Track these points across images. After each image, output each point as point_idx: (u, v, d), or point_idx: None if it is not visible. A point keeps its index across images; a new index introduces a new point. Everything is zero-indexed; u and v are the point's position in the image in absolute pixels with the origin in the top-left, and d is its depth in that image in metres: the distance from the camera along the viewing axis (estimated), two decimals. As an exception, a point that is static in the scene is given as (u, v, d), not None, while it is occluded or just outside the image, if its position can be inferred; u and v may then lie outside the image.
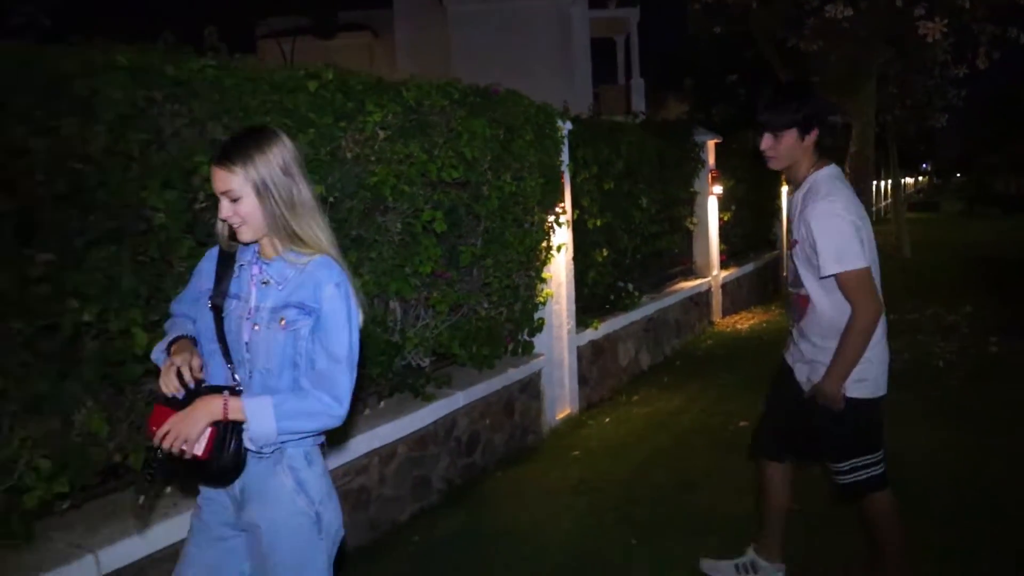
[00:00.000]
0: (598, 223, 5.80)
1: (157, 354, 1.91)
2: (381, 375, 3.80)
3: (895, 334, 8.07)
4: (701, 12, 8.36)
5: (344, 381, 1.77)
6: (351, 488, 3.55)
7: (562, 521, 3.75)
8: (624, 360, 6.43)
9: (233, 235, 1.83)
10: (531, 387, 4.98)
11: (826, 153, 2.73)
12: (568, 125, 5.19)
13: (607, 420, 5.34)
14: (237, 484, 1.81)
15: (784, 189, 10.14)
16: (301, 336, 1.77)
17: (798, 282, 2.70)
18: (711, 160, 8.53)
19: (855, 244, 2.48)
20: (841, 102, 8.83)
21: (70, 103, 2.39)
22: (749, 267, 9.89)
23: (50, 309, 2.37)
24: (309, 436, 1.83)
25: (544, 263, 4.95)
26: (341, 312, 1.78)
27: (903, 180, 20.93)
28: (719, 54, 16.74)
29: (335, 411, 1.75)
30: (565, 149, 5.14)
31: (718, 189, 8.55)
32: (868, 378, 2.62)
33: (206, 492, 1.91)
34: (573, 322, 5.38)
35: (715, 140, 8.55)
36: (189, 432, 1.69)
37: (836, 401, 2.58)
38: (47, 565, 2.35)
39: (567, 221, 5.16)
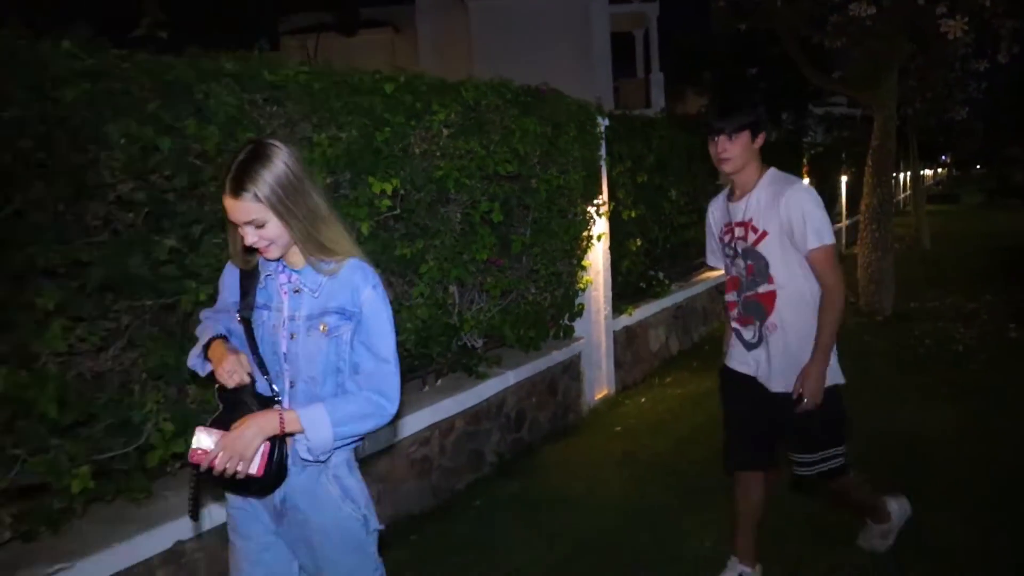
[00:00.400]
0: (632, 214, 6.07)
1: (193, 360, 1.88)
2: (440, 354, 4.10)
3: (917, 321, 8.20)
4: (725, 9, 8.52)
5: (394, 380, 1.78)
6: (416, 458, 3.86)
7: (608, 489, 4.05)
8: (655, 345, 6.71)
9: (247, 250, 1.79)
10: (572, 368, 5.27)
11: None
12: (605, 121, 5.46)
13: (643, 400, 5.62)
14: (278, 494, 1.80)
15: (805, 181, 10.27)
16: (344, 342, 1.77)
17: (759, 280, 2.72)
18: (736, 153, 8.73)
19: (828, 222, 2.67)
20: (863, 96, 8.97)
21: (189, 106, 2.70)
22: (772, 258, 10.06)
23: (172, 289, 2.68)
24: (361, 440, 1.84)
25: (585, 252, 5.23)
26: (383, 313, 1.79)
27: (923, 172, 20.97)
28: (738, 48, 16.84)
29: (387, 410, 1.77)
30: (603, 144, 5.42)
31: (743, 181, 8.77)
32: (835, 363, 2.76)
33: (235, 501, 1.88)
34: (610, 308, 5.67)
35: (739, 134, 8.73)
36: (245, 451, 1.66)
37: (821, 384, 2.62)
38: (170, 515, 2.66)
39: (605, 212, 5.44)
